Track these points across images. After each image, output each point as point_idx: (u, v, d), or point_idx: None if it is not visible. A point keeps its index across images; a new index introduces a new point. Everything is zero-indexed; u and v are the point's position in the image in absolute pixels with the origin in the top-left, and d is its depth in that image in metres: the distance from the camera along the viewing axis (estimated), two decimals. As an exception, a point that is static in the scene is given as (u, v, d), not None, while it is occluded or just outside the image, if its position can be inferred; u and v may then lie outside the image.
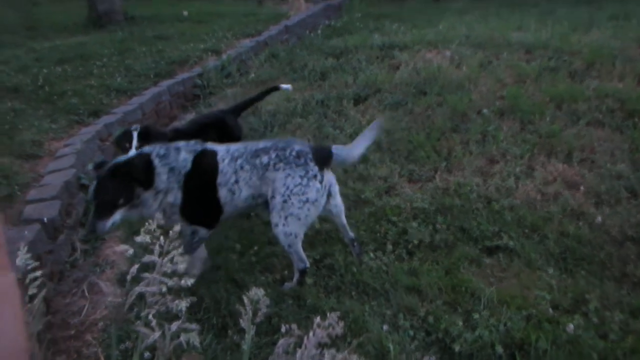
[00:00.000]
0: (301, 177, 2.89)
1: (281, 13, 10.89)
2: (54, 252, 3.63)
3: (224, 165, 2.96)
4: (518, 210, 3.68)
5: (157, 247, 1.37)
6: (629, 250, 3.26)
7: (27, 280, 1.44)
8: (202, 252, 3.36)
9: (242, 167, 2.96)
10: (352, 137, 4.94)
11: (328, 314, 1.75)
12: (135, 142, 3.50)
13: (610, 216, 3.57)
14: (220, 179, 2.95)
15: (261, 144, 3.04)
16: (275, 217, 2.99)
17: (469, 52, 6.66)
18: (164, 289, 1.35)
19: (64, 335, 3.19)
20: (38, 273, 1.47)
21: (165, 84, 6.98)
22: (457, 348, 2.61)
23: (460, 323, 2.76)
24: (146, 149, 3.07)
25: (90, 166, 2.89)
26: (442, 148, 4.61)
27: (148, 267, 1.64)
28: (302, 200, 2.92)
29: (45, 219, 3.64)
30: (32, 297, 1.52)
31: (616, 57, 5.99)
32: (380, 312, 2.92)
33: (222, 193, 2.97)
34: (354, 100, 5.72)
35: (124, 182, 2.80)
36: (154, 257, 1.36)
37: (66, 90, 6.49)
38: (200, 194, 2.99)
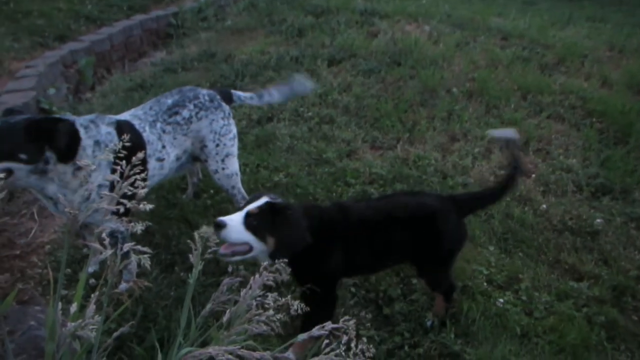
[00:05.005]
0: (222, 118, 3.00)
1: (267, -37, 10.59)
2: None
3: (147, 134, 2.73)
4: (471, 188, 3.81)
5: (118, 169, 1.39)
6: (565, 239, 3.44)
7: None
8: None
9: (164, 131, 2.79)
10: (321, 97, 4.97)
11: (276, 260, 1.81)
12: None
13: (554, 205, 3.74)
14: (149, 150, 2.71)
15: (168, 100, 2.88)
16: (213, 165, 3.04)
17: (447, 30, 6.71)
18: (122, 209, 1.38)
19: (9, 254, 3.17)
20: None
21: (138, 18, 6.79)
22: (396, 309, 2.76)
23: (400, 289, 2.90)
24: (67, 116, 2.75)
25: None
26: (408, 120, 4.69)
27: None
28: (231, 138, 3.05)
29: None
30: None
31: (586, 56, 6.15)
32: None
33: (151, 165, 2.75)
34: (329, 61, 5.71)
35: (38, 141, 2.28)
36: (115, 177, 1.38)
37: (32, 10, 6.26)
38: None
